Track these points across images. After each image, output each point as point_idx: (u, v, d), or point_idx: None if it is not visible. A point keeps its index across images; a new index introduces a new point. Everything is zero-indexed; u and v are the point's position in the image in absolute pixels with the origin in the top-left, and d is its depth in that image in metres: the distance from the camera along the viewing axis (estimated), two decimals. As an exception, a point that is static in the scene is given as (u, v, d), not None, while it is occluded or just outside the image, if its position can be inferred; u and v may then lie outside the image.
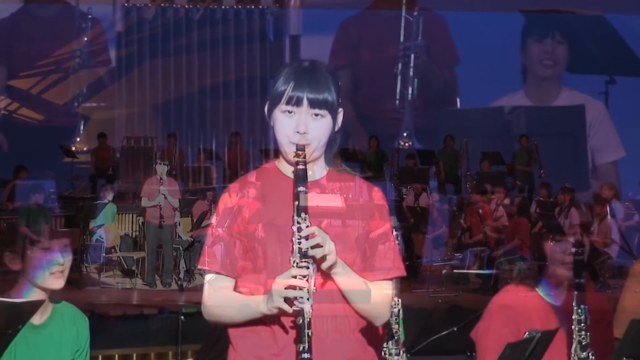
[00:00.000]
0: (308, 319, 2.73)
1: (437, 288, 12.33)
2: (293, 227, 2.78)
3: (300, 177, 2.83)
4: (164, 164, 12.56)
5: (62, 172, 18.17)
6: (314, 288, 2.76)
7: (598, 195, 13.97)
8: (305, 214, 2.78)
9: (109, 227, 13.51)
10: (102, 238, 13.38)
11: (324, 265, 2.81)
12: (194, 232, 13.30)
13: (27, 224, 3.83)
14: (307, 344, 2.73)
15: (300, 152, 2.86)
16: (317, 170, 3.00)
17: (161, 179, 12.37)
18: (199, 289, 9.91)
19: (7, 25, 20.43)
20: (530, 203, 14.96)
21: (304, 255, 2.76)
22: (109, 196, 14.02)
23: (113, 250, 13.44)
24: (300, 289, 2.73)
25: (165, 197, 12.27)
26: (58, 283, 3.74)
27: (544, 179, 16.64)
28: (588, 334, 4.13)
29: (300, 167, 2.84)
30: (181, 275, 12.73)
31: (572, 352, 4.13)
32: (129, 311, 10.54)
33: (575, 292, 4.17)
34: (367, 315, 2.97)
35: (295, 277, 2.74)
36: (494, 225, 13.33)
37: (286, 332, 2.88)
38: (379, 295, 2.97)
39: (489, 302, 4.47)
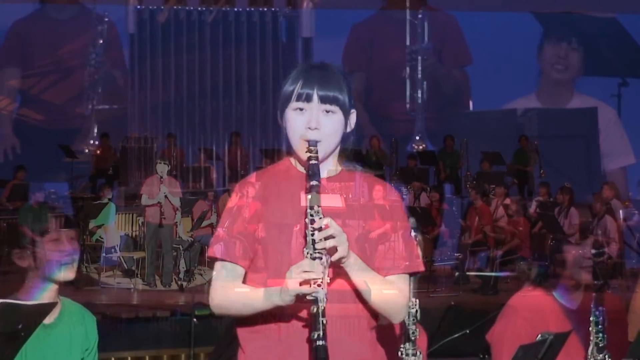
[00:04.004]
0: (322, 307, 2.72)
1: (436, 288, 12.34)
2: (306, 220, 2.78)
3: (313, 171, 2.83)
4: (164, 164, 12.58)
5: (62, 172, 18.26)
6: (328, 278, 2.76)
7: (598, 195, 13.94)
8: (318, 206, 2.78)
9: (108, 227, 13.52)
10: (102, 238, 13.40)
11: (335, 257, 2.80)
12: (194, 232, 13.31)
13: (30, 222, 3.81)
14: (321, 331, 2.72)
15: (312, 148, 2.86)
16: (330, 169, 3.01)
17: (161, 178, 12.38)
18: (199, 289, 9.91)
19: (22, 27, 20.48)
20: (530, 203, 14.99)
21: (316, 247, 2.76)
22: (108, 195, 14.04)
23: (113, 250, 13.44)
24: (315, 284, 2.73)
25: (166, 196, 12.28)
26: (71, 275, 3.77)
27: (544, 179, 16.65)
28: (605, 335, 4.13)
29: (313, 162, 2.84)
30: (181, 275, 12.75)
31: (589, 354, 4.13)
32: (141, 313, 10.55)
33: (593, 294, 4.17)
34: (384, 312, 2.96)
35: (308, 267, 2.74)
36: (498, 225, 13.33)
37: (294, 335, 2.87)
38: (395, 293, 2.96)
39: (490, 303, 4.48)
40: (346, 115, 2.97)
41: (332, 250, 2.79)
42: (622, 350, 4.37)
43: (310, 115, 2.91)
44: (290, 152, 3.02)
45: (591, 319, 4.13)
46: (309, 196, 2.80)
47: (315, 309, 2.73)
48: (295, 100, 2.93)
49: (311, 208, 2.78)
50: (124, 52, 20.70)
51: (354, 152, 3.09)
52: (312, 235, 2.76)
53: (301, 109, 2.93)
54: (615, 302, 4.70)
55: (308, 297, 2.74)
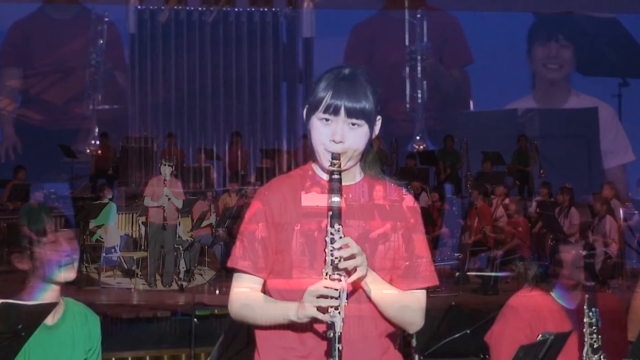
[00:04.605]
0: (339, 333, 2.72)
1: (436, 288, 12.29)
2: (326, 239, 2.77)
3: (335, 188, 2.81)
4: (168, 165, 12.56)
5: (62, 172, 18.28)
6: (346, 301, 2.74)
7: (598, 195, 13.95)
8: (339, 224, 2.77)
9: (108, 227, 13.51)
10: (102, 238, 13.39)
11: (353, 277, 2.80)
12: (194, 232, 13.30)
13: (29, 223, 3.83)
14: (337, 358, 2.72)
15: (335, 162, 2.84)
16: (352, 176, 2.99)
17: (165, 179, 12.39)
18: (199, 289, 9.91)
19: (23, 27, 20.48)
20: (530, 203, 15.00)
21: (336, 267, 2.75)
22: (108, 195, 14.05)
23: (113, 250, 13.43)
24: (333, 299, 2.72)
25: (169, 199, 12.28)
26: (71, 275, 3.77)
27: (544, 179, 16.66)
28: (599, 336, 4.12)
29: (335, 176, 2.82)
30: (181, 276, 12.75)
31: (584, 355, 4.13)
32: (141, 313, 10.56)
33: (587, 295, 4.17)
34: (400, 324, 2.98)
35: (327, 288, 2.73)
36: (498, 225, 13.33)
37: (314, 334, 2.87)
38: (412, 305, 2.98)
39: (490, 303, 4.48)
40: (372, 126, 2.96)
41: (352, 271, 2.79)
42: (621, 350, 4.37)
43: (335, 128, 2.90)
44: (312, 156, 3.01)
45: (584, 320, 4.13)
46: (330, 213, 2.78)
47: (331, 334, 2.73)
48: (322, 111, 2.91)
49: (331, 226, 2.77)
50: (125, 52, 20.69)
51: (373, 153, 3.08)
52: (332, 255, 2.75)
53: (327, 120, 2.91)
54: (614, 302, 4.70)
55: (325, 321, 2.74)
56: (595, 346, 4.12)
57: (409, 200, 3.06)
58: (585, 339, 4.13)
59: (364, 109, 2.91)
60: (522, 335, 4.21)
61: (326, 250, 2.76)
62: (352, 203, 2.94)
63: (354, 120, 2.90)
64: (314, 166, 3.02)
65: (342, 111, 2.89)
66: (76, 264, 3.82)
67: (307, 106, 2.98)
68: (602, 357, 4.14)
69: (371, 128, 2.96)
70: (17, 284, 3.75)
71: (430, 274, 3.03)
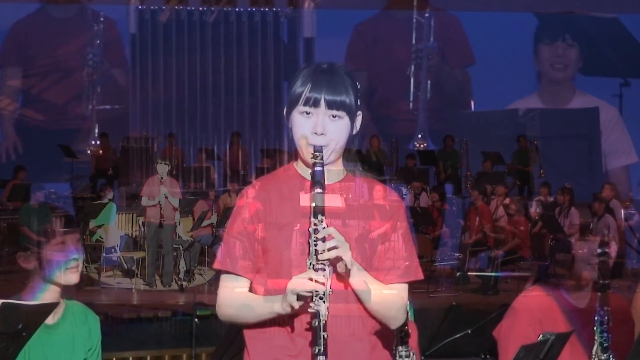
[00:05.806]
0: (324, 321, 2.72)
1: (436, 288, 12.32)
2: (309, 229, 2.77)
3: (317, 179, 2.81)
4: (164, 164, 12.55)
5: (62, 172, 18.29)
6: (330, 290, 2.74)
7: (599, 195, 13.95)
8: (322, 215, 2.77)
9: (108, 227, 13.50)
10: (102, 238, 13.39)
11: (340, 268, 2.80)
12: (194, 232, 13.30)
13: (34, 222, 3.80)
14: (322, 346, 2.72)
15: (317, 154, 2.84)
16: (335, 172, 2.99)
17: (162, 178, 12.37)
18: (199, 289, 9.89)
19: (23, 27, 20.47)
20: (530, 203, 15.01)
21: (319, 258, 2.74)
22: (109, 195, 14.03)
23: (113, 250, 13.43)
24: (316, 291, 2.72)
25: (166, 197, 12.26)
26: (74, 278, 3.76)
27: (544, 179, 16.66)
28: (609, 335, 4.12)
29: (318, 168, 2.82)
30: (181, 276, 12.73)
31: (593, 353, 4.13)
32: (142, 313, 10.56)
33: (598, 294, 4.17)
34: (382, 318, 2.96)
35: (311, 279, 2.73)
36: (499, 225, 13.33)
37: (303, 333, 2.86)
38: (395, 299, 2.96)
39: (491, 303, 4.47)
40: (352, 118, 2.96)
41: (335, 261, 2.78)
42: (627, 351, 4.36)
43: (316, 120, 2.90)
44: (295, 156, 3.01)
45: (595, 318, 4.13)
46: (313, 204, 2.78)
47: (316, 323, 2.73)
48: (302, 104, 2.91)
49: (315, 217, 2.77)
50: (126, 52, 20.69)
51: (354, 152, 3.08)
52: (315, 245, 2.75)
53: (308, 113, 2.91)
54: (622, 302, 4.69)
55: (309, 310, 2.73)
56: (604, 345, 4.12)
57: (392, 196, 3.06)
58: (595, 338, 4.13)
59: (344, 101, 2.91)
60: (531, 330, 4.19)
61: (310, 240, 2.76)
62: (336, 201, 2.94)
63: (334, 112, 2.91)
64: (296, 165, 3.03)
65: (323, 103, 2.90)
66: (80, 268, 3.82)
67: (287, 103, 2.98)
68: (610, 356, 4.14)
69: (352, 121, 2.96)
70: (18, 283, 3.74)
71: (413, 269, 3.02)
